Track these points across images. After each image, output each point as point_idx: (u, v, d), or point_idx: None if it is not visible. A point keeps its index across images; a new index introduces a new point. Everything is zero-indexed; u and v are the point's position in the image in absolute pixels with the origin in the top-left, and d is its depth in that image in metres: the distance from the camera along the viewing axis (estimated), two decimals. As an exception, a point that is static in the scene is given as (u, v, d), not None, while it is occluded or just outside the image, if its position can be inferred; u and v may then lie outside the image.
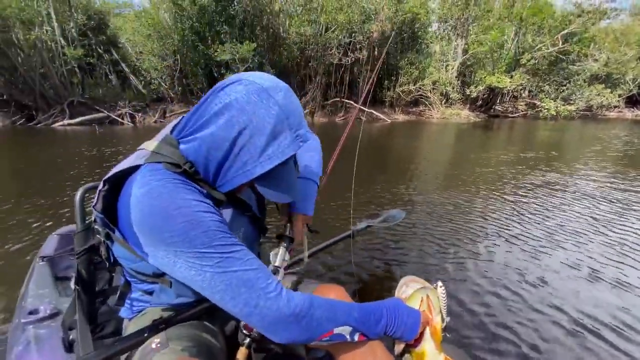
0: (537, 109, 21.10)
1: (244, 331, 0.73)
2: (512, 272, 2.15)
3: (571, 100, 21.66)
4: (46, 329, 0.96)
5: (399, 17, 16.02)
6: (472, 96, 19.34)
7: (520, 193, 3.96)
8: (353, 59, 15.89)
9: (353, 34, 15.56)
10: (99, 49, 15.60)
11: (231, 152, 0.61)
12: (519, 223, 2.99)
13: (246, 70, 13.76)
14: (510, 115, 21.16)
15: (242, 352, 0.72)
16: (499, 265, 2.25)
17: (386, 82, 17.66)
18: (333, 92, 17.39)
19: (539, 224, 2.98)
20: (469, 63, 19.62)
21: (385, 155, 7.00)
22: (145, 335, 0.69)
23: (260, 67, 14.77)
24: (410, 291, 0.91)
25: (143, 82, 15.12)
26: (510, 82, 18.05)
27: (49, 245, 1.44)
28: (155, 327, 0.70)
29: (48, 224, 2.84)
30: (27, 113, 12.48)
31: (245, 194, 0.82)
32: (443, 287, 0.90)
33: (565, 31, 18.65)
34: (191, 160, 0.64)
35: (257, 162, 0.61)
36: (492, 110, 20.81)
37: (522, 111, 21.73)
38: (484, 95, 20.16)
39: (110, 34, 16.20)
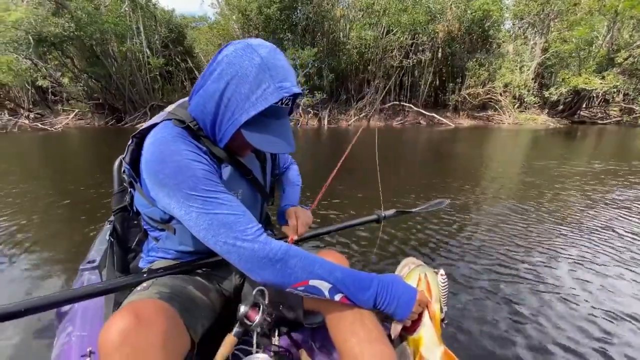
0: (635, 115, 18.04)
1: (246, 321, 0.70)
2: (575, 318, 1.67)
3: (682, 105, 18.10)
4: (96, 275, 1.14)
5: (468, 15, 15.01)
6: (552, 100, 17.24)
7: (601, 213, 3.20)
8: (415, 60, 15.26)
9: (416, 35, 14.98)
10: (177, 59, 17.33)
11: (221, 102, 0.68)
12: (584, 247, 2.39)
13: (305, 75, 14.06)
14: (599, 121, 18.43)
15: (229, 340, 0.71)
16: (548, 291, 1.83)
17: (450, 84, 16.63)
18: (391, 96, 16.90)
19: (614, 254, 2.29)
20: (548, 63, 17.58)
21: (447, 161, 6.47)
22: (144, 277, 0.77)
23: (318, 72, 14.99)
24: (408, 270, 0.85)
25: (212, 88, 16.35)
26: (602, 83, 15.69)
27: None
28: (153, 273, 0.78)
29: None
30: (117, 115, 14.29)
31: (248, 159, 0.86)
32: (445, 276, 0.81)
33: (676, 24, 15.71)
34: (195, 118, 0.73)
35: (242, 109, 0.66)
36: (576, 116, 18.32)
37: (615, 117, 18.79)
38: (566, 98, 17.84)
39: (186, 45, 17.91)
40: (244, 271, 0.68)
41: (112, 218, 1.47)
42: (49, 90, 15.25)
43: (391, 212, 1.53)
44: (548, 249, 2.31)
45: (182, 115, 0.73)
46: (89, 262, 1.21)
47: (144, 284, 0.75)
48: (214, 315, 0.80)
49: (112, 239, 0.96)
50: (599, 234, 2.55)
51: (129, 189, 0.84)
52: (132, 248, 1.00)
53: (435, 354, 0.73)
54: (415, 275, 0.82)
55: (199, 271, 0.85)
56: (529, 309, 1.65)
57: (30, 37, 10.76)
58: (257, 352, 0.71)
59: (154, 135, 0.70)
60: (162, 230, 0.83)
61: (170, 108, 0.77)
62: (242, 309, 0.71)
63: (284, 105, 0.70)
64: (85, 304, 1.00)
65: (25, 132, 11.24)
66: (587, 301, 1.71)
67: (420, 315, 0.75)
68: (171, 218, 0.78)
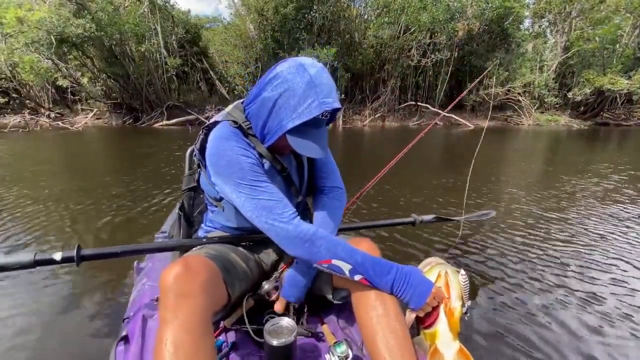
0: (662, 116, 17.37)
1: (266, 297, 0.91)
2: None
3: None
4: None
5: (488, 13, 14.66)
6: (576, 100, 16.70)
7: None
8: (433, 60, 14.96)
9: (434, 34, 14.70)
10: (192, 59, 17.40)
11: (273, 109, 0.81)
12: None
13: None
14: (623, 123, 17.78)
15: (248, 303, 0.92)
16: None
17: (468, 84, 16.25)
18: (407, 96, 16.62)
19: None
20: (570, 62, 17.05)
21: (478, 164, 6.23)
22: (202, 242, 1.00)
23: (334, 72, 14.84)
24: (429, 267, 0.89)
25: (227, 88, 16.35)
26: (629, 83, 15.12)
27: None
28: (208, 240, 1.01)
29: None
30: (134, 115, 14.39)
31: (287, 159, 0.98)
32: (465, 275, 0.85)
33: None
34: (249, 120, 0.90)
35: (289, 118, 0.79)
36: (599, 117, 17.72)
37: (640, 119, 18.12)
38: (588, 99, 17.27)
39: (202, 45, 17.97)
40: (280, 246, 0.84)
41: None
42: (69, 90, 15.46)
43: (429, 217, 1.47)
44: (589, 263, 2.14)
45: (237, 117, 0.90)
46: (161, 232, 1.61)
47: (199, 247, 0.98)
48: (250, 282, 0.96)
49: (180, 213, 1.17)
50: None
51: (198, 170, 1.06)
52: (195, 219, 1.22)
53: (450, 349, 0.77)
54: (435, 271, 0.87)
55: (243, 243, 1.03)
56: (556, 323, 1.54)
57: (53, 38, 10.89)
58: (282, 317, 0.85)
59: (214, 133, 0.88)
60: (216, 206, 1.02)
61: (228, 109, 0.95)
62: (266, 286, 0.90)
63: (323, 117, 0.82)
64: (156, 262, 1.33)
65: (46, 131, 11.38)
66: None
67: (436, 310, 0.81)
68: (222, 197, 0.95)
